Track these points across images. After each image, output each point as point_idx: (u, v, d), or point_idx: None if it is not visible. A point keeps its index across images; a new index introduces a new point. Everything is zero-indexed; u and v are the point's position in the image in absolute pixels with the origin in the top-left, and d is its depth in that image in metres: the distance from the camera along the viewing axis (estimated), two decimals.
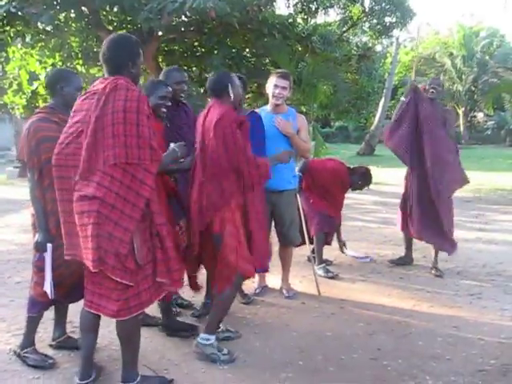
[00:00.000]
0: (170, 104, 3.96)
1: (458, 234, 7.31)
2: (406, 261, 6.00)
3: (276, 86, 4.68)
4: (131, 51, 3.12)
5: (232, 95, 3.76)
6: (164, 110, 3.85)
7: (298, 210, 5.11)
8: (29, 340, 3.67)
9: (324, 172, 5.73)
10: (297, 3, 15.31)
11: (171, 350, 3.85)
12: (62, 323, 3.88)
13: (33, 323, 3.66)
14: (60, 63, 11.67)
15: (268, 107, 4.84)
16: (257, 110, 4.80)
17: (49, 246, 3.31)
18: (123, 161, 2.87)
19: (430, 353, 3.79)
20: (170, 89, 3.98)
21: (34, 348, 3.67)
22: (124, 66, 3.07)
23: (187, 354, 3.79)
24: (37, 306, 3.60)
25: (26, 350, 3.64)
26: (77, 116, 3.06)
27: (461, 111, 31.33)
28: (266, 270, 4.61)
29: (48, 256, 3.34)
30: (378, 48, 23.68)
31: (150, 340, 3.97)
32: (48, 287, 3.36)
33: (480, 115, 35.78)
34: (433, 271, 5.64)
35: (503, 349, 3.85)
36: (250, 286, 4.95)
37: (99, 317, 3.21)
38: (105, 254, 2.87)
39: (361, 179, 5.87)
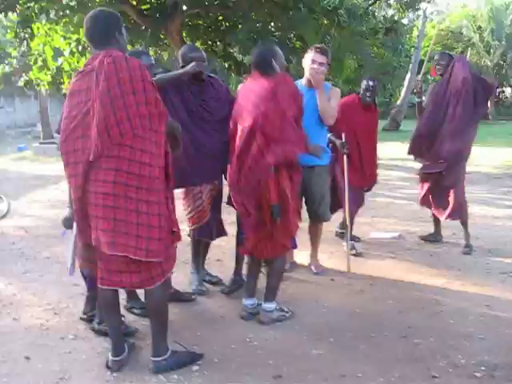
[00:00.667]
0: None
1: (487, 211, 7.27)
2: (435, 238, 5.92)
3: (314, 61, 4.54)
4: (116, 22, 3.09)
5: (277, 69, 3.82)
6: None
7: (336, 178, 5.12)
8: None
9: (341, 117, 5.00)
10: None
11: (201, 326, 3.85)
12: (94, 298, 3.89)
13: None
14: (84, 39, 11.60)
15: (303, 81, 4.74)
16: None
17: (75, 223, 3.30)
18: (140, 130, 2.86)
19: (462, 331, 3.73)
20: (153, 59, 3.96)
21: None
22: (106, 41, 3.02)
23: (217, 329, 3.80)
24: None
25: (104, 324, 3.63)
26: (76, 97, 2.99)
27: None
28: (294, 246, 4.59)
29: (73, 233, 3.33)
30: (404, 21, 23.24)
31: (180, 316, 3.97)
32: (69, 263, 3.36)
33: (508, 90, 35.06)
34: (464, 248, 5.56)
35: None
36: None
37: (117, 293, 3.23)
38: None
39: (364, 84, 5.48)
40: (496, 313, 4.04)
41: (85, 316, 3.88)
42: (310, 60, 4.59)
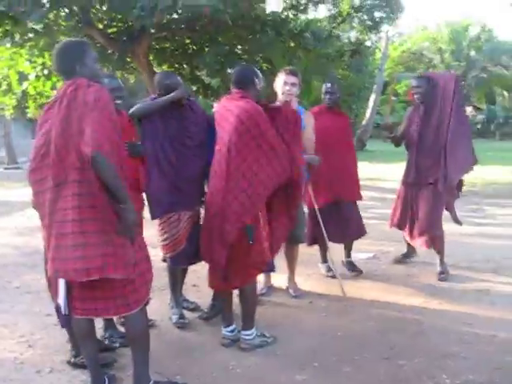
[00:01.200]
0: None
1: (458, 228, 7.30)
2: (408, 256, 5.92)
3: (286, 82, 4.57)
4: (74, 55, 3.02)
5: (258, 87, 3.90)
6: (118, 101, 3.80)
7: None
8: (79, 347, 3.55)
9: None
10: None
11: (181, 354, 3.77)
12: None
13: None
14: (50, 62, 11.46)
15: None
16: None
17: None
18: (90, 154, 2.76)
19: (444, 351, 3.73)
20: (120, 82, 4.04)
21: None
22: (73, 71, 2.99)
23: (198, 357, 3.71)
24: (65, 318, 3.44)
25: (81, 356, 3.49)
26: (44, 127, 2.97)
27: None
28: (272, 269, 4.55)
29: None
30: (367, 43, 23.66)
31: (159, 345, 3.84)
32: (63, 301, 3.09)
33: (469, 109, 35.89)
34: (439, 275, 5.34)
35: None
36: None
37: (93, 322, 3.15)
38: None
39: (323, 88, 5.37)
40: (476, 331, 4.06)
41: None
42: (281, 82, 4.62)
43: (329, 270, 5.53)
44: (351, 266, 5.57)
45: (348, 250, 5.60)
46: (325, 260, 5.60)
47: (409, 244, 5.85)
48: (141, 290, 3.03)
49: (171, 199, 4.02)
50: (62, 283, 3.11)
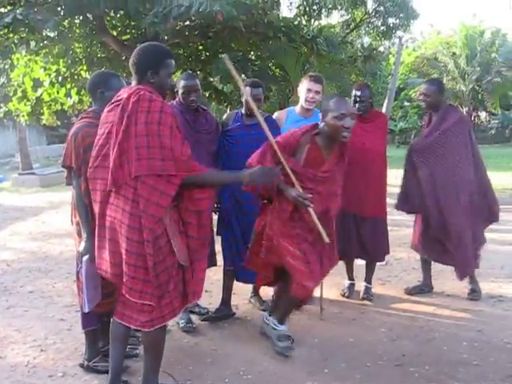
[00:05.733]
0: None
1: None
2: (423, 289, 5.13)
3: (309, 90, 4.46)
4: (152, 60, 2.99)
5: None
6: None
7: None
8: (93, 351, 3.58)
9: None
10: (299, 5, 15.30)
11: (193, 360, 3.77)
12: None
13: (92, 337, 3.58)
14: (64, 69, 11.59)
15: (297, 109, 4.69)
16: (283, 111, 4.76)
17: (84, 257, 3.22)
18: (145, 173, 2.79)
19: (456, 358, 3.70)
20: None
21: (102, 356, 3.57)
22: (142, 75, 2.98)
23: (209, 363, 3.72)
24: (88, 319, 3.49)
25: (94, 360, 3.55)
26: (103, 128, 3.00)
27: (464, 111, 31.23)
28: None
29: (83, 267, 3.24)
30: (381, 49, 23.64)
31: (170, 350, 3.85)
32: (84, 299, 3.27)
33: (483, 115, 35.59)
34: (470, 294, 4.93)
35: None
36: (266, 292, 4.85)
37: (129, 328, 3.14)
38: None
39: (352, 95, 4.66)
40: (488, 338, 4.02)
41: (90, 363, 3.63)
42: (305, 89, 4.51)
43: (348, 289, 5.10)
44: (365, 292, 4.98)
45: (369, 272, 5.08)
46: (350, 277, 5.16)
47: (426, 271, 5.19)
48: (175, 301, 3.01)
49: None
50: (84, 280, 3.16)
